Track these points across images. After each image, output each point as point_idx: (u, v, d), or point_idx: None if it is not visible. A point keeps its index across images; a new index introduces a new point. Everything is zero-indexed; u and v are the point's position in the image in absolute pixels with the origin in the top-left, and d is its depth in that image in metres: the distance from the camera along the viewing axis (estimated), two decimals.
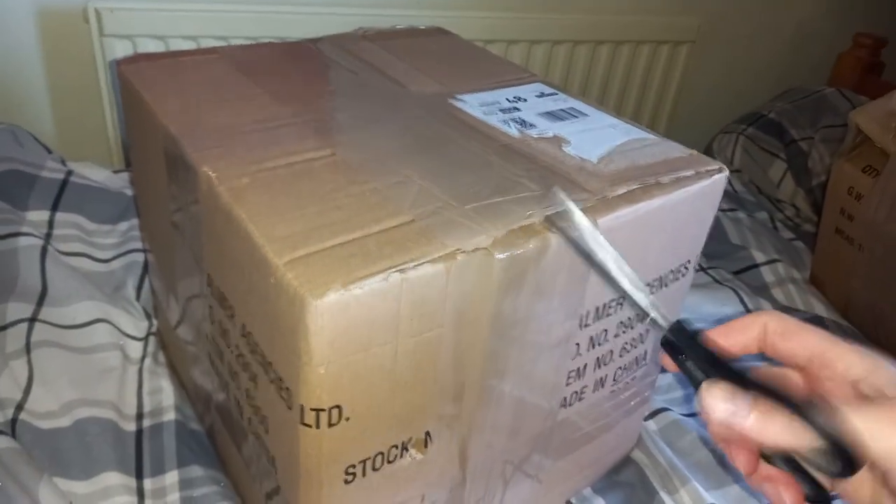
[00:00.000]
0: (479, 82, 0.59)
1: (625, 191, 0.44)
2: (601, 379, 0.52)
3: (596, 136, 0.51)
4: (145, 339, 0.69)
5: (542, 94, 0.58)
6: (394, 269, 0.35)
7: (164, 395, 0.64)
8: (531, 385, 0.46)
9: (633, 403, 0.59)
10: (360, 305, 0.34)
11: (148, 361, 0.67)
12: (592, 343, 0.49)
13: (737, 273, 0.95)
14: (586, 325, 0.47)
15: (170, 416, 0.62)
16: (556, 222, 0.40)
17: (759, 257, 0.97)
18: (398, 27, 0.71)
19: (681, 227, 0.49)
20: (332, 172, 0.43)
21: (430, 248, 0.36)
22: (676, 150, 0.51)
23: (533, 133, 0.50)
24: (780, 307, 0.90)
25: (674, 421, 0.68)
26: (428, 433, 0.43)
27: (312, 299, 0.33)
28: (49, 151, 0.80)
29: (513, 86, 0.59)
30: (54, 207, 0.74)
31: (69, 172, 0.77)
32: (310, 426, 0.37)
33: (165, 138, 0.47)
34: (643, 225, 0.45)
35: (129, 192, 0.79)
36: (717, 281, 0.92)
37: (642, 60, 1.29)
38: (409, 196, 0.41)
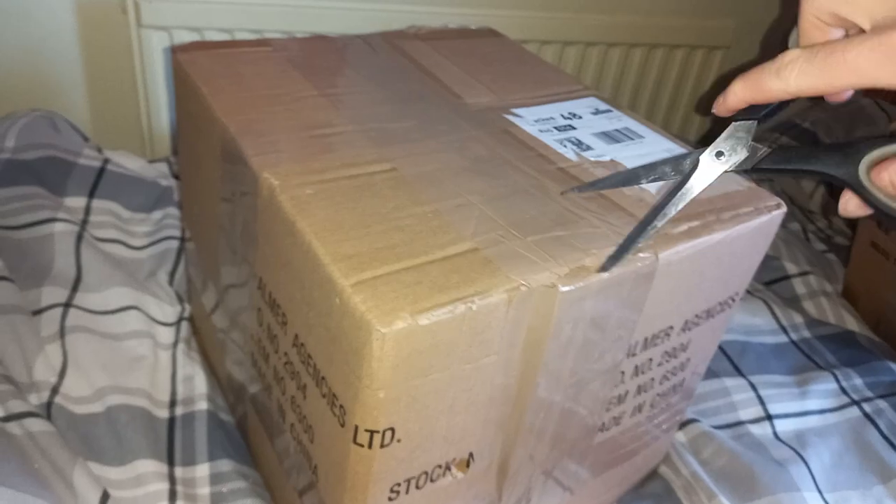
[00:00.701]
0: (532, 94, 0.58)
1: (686, 228, 0.43)
2: (639, 405, 0.52)
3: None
4: (177, 325, 0.69)
5: (596, 111, 0.57)
6: (460, 301, 0.35)
7: (196, 383, 0.64)
8: (574, 412, 0.46)
9: (666, 426, 0.59)
10: (424, 333, 0.34)
11: (181, 347, 0.67)
12: (637, 371, 0.49)
13: (768, 284, 0.94)
14: (633, 355, 0.47)
15: (202, 405, 0.62)
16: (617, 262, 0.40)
17: (791, 268, 0.96)
18: (449, 26, 0.70)
19: (735, 261, 0.49)
20: (393, 189, 0.42)
21: (494, 280, 0.36)
22: (734, 181, 0.50)
23: (590, 156, 0.50)
24: (811, 320, 0.89)
25: (703, 433, 0.68)
26: (471, 454, 0.43)
27: (380, 327, 0.33)
28: (86, 139, 0.80)
29: (567, 100, 0.58)
30: (91, 194, 0.74)
31: (106, 160, 0.77)
32: (362, 446, 0.37)
33: (223, 135, 0.46)
34: (700, 259, 0.45)
35: (163, 182, 0.79)
36: (747, 291, 0.91)
37: (675, 65, 1.28)
38: (470, 221, 0.40)
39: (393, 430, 0.37)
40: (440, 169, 0.45)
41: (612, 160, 0.50)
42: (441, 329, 0.35)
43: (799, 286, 0.94)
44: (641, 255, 0.41)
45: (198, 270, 0.64)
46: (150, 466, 0.56)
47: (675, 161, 0.42)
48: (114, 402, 0.60)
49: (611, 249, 0.40)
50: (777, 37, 1.39)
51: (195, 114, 0.51)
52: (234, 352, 0.57)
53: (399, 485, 0.40)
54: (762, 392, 0.73)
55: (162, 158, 0.86)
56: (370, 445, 0.37)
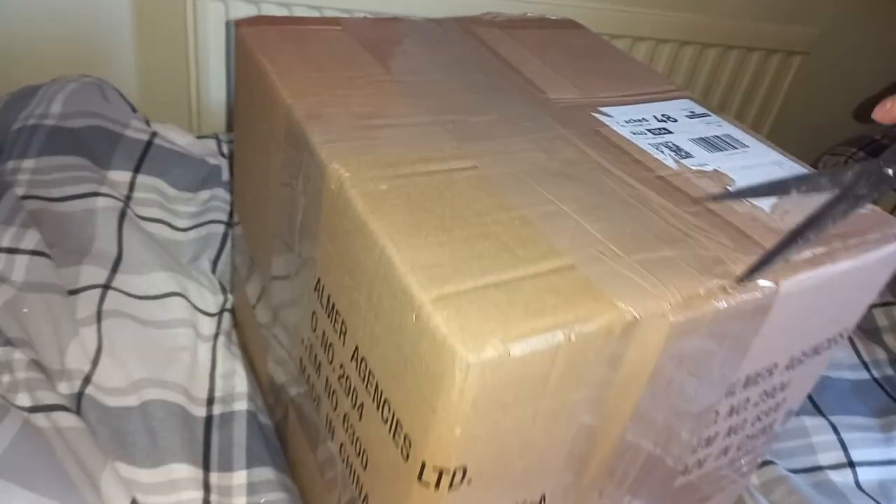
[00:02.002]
0: (621, 92, 0.53)
1: (809, 255, 0.38)
2: (726, 448, 0.47)
3: (762, 175, 0.45)
4: (219, 315, 0.65)
5: (692, 115, 0.52)
6: (559, 329, 0.29)
7: (236, 380, 0.60)
8: (660, 455, 0.41)
9: (746, 469, 0.53)
10: (514, 364, 0.29)
11: (222, 339, 0.63)
12: (731, 411, 0.43)
13: None
14: (731, 394, 0.41)
15: (241, 405, 0.58)
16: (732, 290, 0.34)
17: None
18: (528, 15, 0.64)
19: (854, 293, 0.43)
20: (476, 190, 0.37)
21: (598, 306, 0.31)
22: None
23: (691, 165, 0.44)
24: (894, 357, 0.82)
25: (779, 477, 0.62)
26: (544, 496, 0.38)
27: (466, 354, 0.28)
28: (134, 110, 0.76)
29: (659, 100, 0.53)
30: (137, 169, 0.70)
31: (153, 134, 0.73)
32: (428, 486, 0.32)
33: (288, 118, 0.41)
34: (820, 290, 0.39)
35: (211, 160, 0.75)
36: None
37: (750, 68, 1.21)
38: (564, 233, 0.35)
39: (465, 469, 0.32)
40: (526, 170, 0.40)
41: (715, 170, 0.44)
42: (533, 360, 0.29)
43: (881, 317, 0.86)
44: (762, 282, 0.35)
45: (244, 259, 0.60)
46: (185, 471, 0.52)
47: (834, 173, 0.37)
48: (150, 397, 0.56)
49: (725, 277, 0.34)
50: (860, 47, 1.30)
51: (257, 92, 0.46)
52: (278, 350, 0.52)
53: None
54: (844, 435, 0.66)
55: (210, 135, 0.82)
56: (437, 486, 0.32)
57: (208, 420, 0.57)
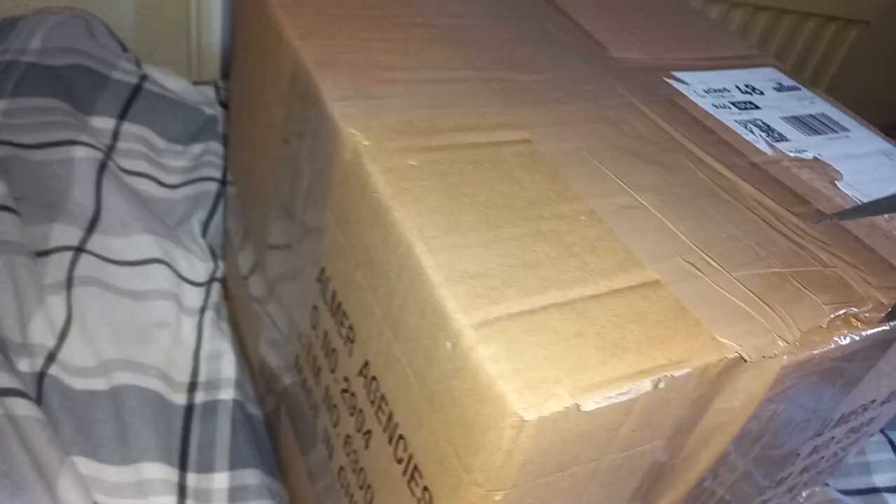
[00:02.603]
0: (696, 54, 0.44)
1: None
2: (794, 485, 0.40)
3: (870, 169, 0.37)
4: (207, 285, 0.58)
5: (780, 87, 0.43)
6: (647, 376, 0.22)
7: (224, 363, 0.53)
8: (728, 499, 0.33)
9: (804, 499, 0.46)
10: (582, 419, 0.21)
11: (209, 314, 0.56)
12: (812, 452, 0.36)
13: None
14: (819, 434, 0.34)
15: (227, 393, 0.51)
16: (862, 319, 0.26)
17: None
18: None
19: None
20: (530, 171, 0.29)
21: (696, 344, 0.23)
22: None
23: (787, 150, 0.36)
24: None
25: (830, 500, 0.55)
26: None
27: (523, 408, 0.20)
28: (124, 49, 0.67)
29: (741, 67, 0.44)
30: (122, 116, 0.61)
31: (143, 77, 0.64)
32: None
33: (295, 65, 0.33)
34: None
35: (207, 109, 0.66)
36: None
37: (803, 37, 1.10)
38: (644, 236, 0.27)
39: None
40: (592, 147, 0.32)
41: (815, 158, 0.36)
42: (607, 413, 0.22)
43: None
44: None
45: (238, 224, 0.52)
46: (157, 472, 0.45)
47: None
48: (121, 381, 0.48)
49: (852, 304, 0.27)
50: None
51: (257, 31, 0.37)
52: (272, 331, 0.45)
53: None
54: None
55: (209, 81, 0.73)
56: None
57: (189, 410, 0.49)
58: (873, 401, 0.35)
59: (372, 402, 0.29)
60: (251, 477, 0.46)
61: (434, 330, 0.23)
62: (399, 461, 0.27)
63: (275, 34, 0.34)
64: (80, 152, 0.57)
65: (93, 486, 0.43)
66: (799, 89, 0.43)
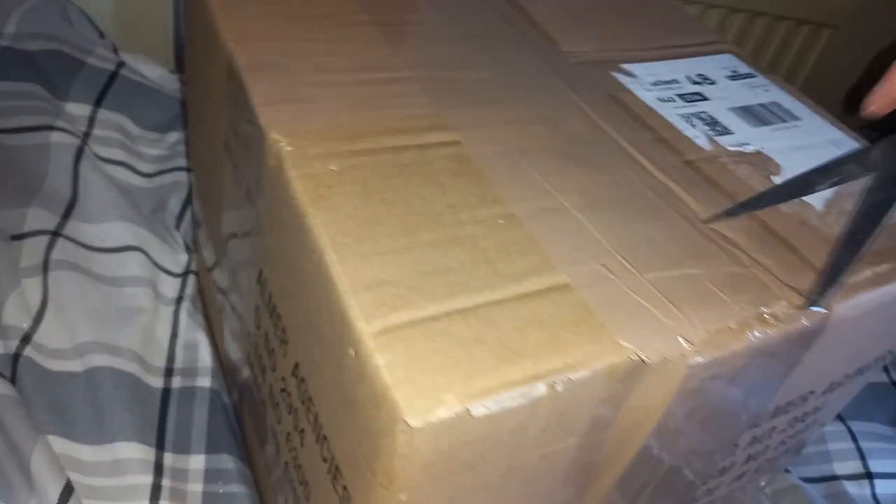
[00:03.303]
0: (651, 43, 0.44)
1: (870, 274, 0.30)
2: (742, 473, 0.40)
3: (814, 160, 0.36)
4: (184, 277, 0.59)
5: (734, 75, 0.43)
6: (540, 380, 0.22)
7: (200, 353, 0.54)
8: (664, 493, 0.34)
9: (762, 485, 0.47)
10: (478, 424, 0.22)
11: (186, 305, 0.57)
12: (753, 442, 0.36)
13: None
14: (755, 426, 0.34)
15: (204, 381, 0.52)
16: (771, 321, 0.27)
17: None
18: None
19: None
20: (454, 174, 0.29)
21: (596, 347, 0.24)
22: None
23: (728, 144, 0.36)
24: None
25: (792, 487, 0.56)
26: None
27: (410, 417, 0.21)
28: (101, 36, 0.68)
29: (696, 55, 0.44)
30: (98, 102, 0.62)
31: (120, 64, 0.65)
32: None
33: (230, 67, 0.33)
34: (880, 312, 0.31)
35: (183, 97, 0.67)
36: None
37: (776, 39, 1.09)
38: (563, 239, 0.27)
39: None
40: (522, 149, 0.32)
41: (757, 152, 0.36)
42: (505, 416, 0.23)
43: None
44: (811, 308, 0.28)
45: (200, 214, 0.53)
46: (134, 451, 0.46)
47: (861, 154, 0.30)
48: (97, 363, 0.50)
49: (765, 302, 0.27)
50: None
51: (199, 32, 0.38)
52: (233, 323, 0.46)
53: None
54: (863, 444, 0.60)
55: (181, 70, 0.73)
56: None
57: (165, 393, 0.51)
58: (812, 392, 0.35)
59: (303, 403, 0.30)
60: (227, 462, 0.47)
61: (341, 337, 0.24)
62: (325, 460, 0.28)
63: (212, 36, 0.34)
64: (55, 137, 0.58)
65: (67, 465, 0.44)
66: (754, 77, 0.43)
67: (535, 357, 0.23)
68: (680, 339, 0.25)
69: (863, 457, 0.59)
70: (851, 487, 0.58)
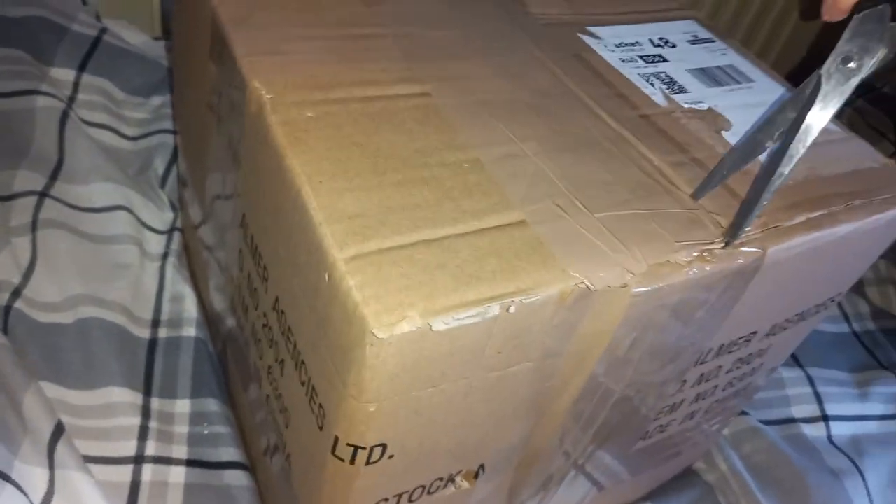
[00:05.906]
0: (616, 7, 0.46)
1: (804, 219, 0.32)
2: (693, 412, 0.43)
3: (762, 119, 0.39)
4: (169, 234, 0.61)
5: (694, 39, 0.45)
6: (494, 301, 0.25)
7: (185, 305, 0.56)
8: (616, 425, 0.37)
9: (717, 427, 0.50)
10: (439, 339, 0.25)
11: (172, 260, 0.59)
12: (700, 380, 0.39)
13: None
14: (702, 363, 0.37)
15: (189, 331, 0.54)
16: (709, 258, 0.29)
17: None
18: None
19: (854, 258, 0.38)
20: (422, 123, 0.32)
21: (545, 274, 0.26)
22: (868, 154, 0.39)
23: (683, 102, 0.38)
24: (876, 310, 0.78)
25: (751, 428, 0.59)
26: (482, 465, 0.34)
27: (377, 329, 0.23)
28: (84, 2, 0.69)
29: (659, 20, 0.46)
30: (82, 67, 0.63)
31: (103, 30, 0.66)
32: (342, 460, 0.28)
33: (213, 23, 0.35)
34: (814, 256, 0.34)
35: (166, 62, 0.68)
36: None
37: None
38: (521, 181, 0.30)
39: (384, 446, 0.28)
40: (488, 101, 0.34)
41: (710, 109, 0.39)
42: (463, 334, 0.25)
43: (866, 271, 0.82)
44: (745, 248, 0.30)
45: (186, 173, 0.55)
46: (123, 395, 0.48)
47: (794, 98, 0.31)
48: (86, 315, 0.52)
49: (703, 241, 0.30)
50: None
51: None
52: (217, 276, 0.48)
53: (387, 499, 0.32)
54: (820, 389, 0.63)
55: (167, 36, 0.75)
56: (353, 462, 0.28)
57: (152, 343, 0.53)
58: (754, 332, 0.38)
59: (283, 333, 0.32)
60: (212, 405, 0.50)
61: (317, 265, 0.26)
62: (302, 384, 0.30)
63: None
64: (41, 101, 0.59)
65: (59, 409, 0.46)
66: (713, 41, 0.46)
67: (491, 282, 0.25)
68: (624, 269, 0.27)
69: (820, 401, 0.63)
70: (808, 430, 0.61)
